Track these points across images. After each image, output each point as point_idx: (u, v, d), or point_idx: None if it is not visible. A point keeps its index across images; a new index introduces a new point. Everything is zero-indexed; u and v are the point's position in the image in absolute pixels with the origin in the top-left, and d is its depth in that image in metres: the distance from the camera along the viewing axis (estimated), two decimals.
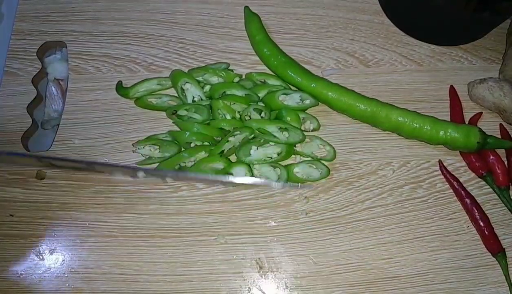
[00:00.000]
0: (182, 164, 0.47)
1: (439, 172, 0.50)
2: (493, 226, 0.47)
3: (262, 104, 0.50)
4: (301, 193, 0.48)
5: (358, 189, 0.49)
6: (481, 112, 0.52)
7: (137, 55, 0.54)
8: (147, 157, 0.49)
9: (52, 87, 0.54)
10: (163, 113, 0.50)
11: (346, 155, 0.50)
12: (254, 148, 0.48)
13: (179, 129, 0.49)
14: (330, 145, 0.50)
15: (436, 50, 0.56)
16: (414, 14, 0.55)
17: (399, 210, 0.48)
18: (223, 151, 0.47)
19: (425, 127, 0.48)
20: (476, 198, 0.48)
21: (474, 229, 0.47)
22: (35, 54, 0.54)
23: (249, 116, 0.49)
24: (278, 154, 0.48)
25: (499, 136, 0.51)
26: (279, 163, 0.49)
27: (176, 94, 0.51)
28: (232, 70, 0.53)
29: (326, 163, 0.49)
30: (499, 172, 0.48)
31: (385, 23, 0.57)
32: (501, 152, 0.50)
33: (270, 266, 0.46)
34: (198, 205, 0.47)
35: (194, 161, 0.47)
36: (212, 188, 0.48)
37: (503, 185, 0.48)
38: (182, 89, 0.50)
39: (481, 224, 0.47)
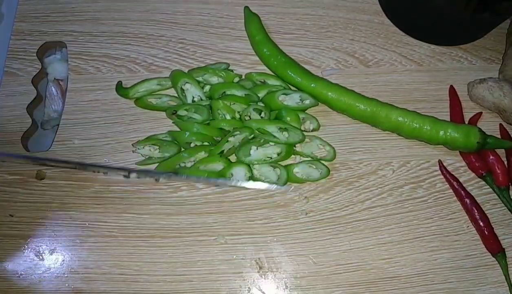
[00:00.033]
0: (182, 164, 0.47)
1: (439, 172, 0.50)
2: (493, 226, 0.47)
3: (262, 105, 0.50)
4: (301, 193, 0.48)
5: (358, 189, 0.49)
6: (481, 112, 0.52)
7: (137, 55, 0.54)
8: (147, 157, 0.49)
9: (52, 87, 0.54)
10: (163, 113, 0.50)
11: (346, 155, 0.50)
12: (254, 148, 0.48)
13: (179, 130, 0.49)
14: (330, 145, 0.50)
15: (436, 50, 0.56)
16: (414, 14, 0.55)
17: (399, 210, 0.48)
18: (223, 151, 0.47)
19: (425, 127, 0.48)
20: (476, 198, 0.48)
21: (474, 229, 0.47)
22: (35, 54, 0.54)
23: (249, 117, 0.49)
24: (278, 154, 0.48)
25: (499, 136, 0.51)
26: (279, 163, 0.49)
27: (176, 95, 0.51)
28: (232, 70, 0.53)
29: (326, 163, 0.49)
30: (499, 172, 0.48)
31: (385, 23, 0.57)
32: (501, 152, 0.50)
33: (270, 266, 0.46)
34: (198, 205, 0.47)
35: (194, 161, 0.47)
36: (212, 188, 0.48)
37: (503, 185, 0.48)
38: (182, 90, 0.50)
39: (481, 224, 0.47)
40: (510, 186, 0.49)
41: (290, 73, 0.51)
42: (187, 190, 0.48)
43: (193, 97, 0.50)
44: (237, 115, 0.49)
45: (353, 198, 0.48)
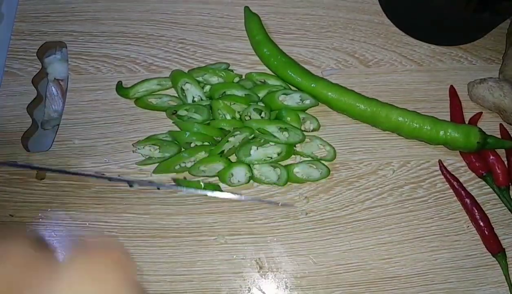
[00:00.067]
0: (182, 164, 0.47)
1: (439, 172, 0.50)
2: (493, 226, 0.47)
3: (262, 105, 0.50)
4: (301, 193, 0.48)
5: (358, 189, 0.49)
6: (481, 112, 0.52)
7: (137, 55, 0.54)
8: (147, 157, 0.49)
9: (52, 87, 0.54)
10: (163, 113, 0.50)
11: (346, 155, 0.50)
12: (254, 148, 0.48)
13: (179, 129, 0.49)
14: (330, 145, 0.50)
15: (436, 50, 0.56)
16: (414, 14, 0.55)
17: (399, 210, 0.48)
18: (223, 151, 0.47)
19: (425, 127, 0.48)
20: (476, 198, 0.48)
21: (474, 229, 0.47)
22: (35, 54, 0.54)
23: (249, 117, 0.49)
24: (278, 154, 0.48)
25: (499, 136, 0.51)
26: (279, 163, 0.49)
27: (176, 95, 0.51)
28: (232, 70, 0.53)
29: (326, 163, 0.49)
30: (499, 172, 0.48)
31: (385, 23, 0.57)
32: (501, 152, 0.50)
33: (270, 266, 0.46)
34: (198, 205, 0.47)
35: (194, 161, 0.47)
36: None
37: (503, 185, 0.48)
38: (182, 90, 0.50)
39: (481, 224, 0.47)
40: (510, 186, 0.49)
41: (290, 73, 0.51)
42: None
43: (193, 97, 0.50)
44: (237, 115, 0.49)
45: (353, 198, 0.48)
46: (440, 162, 0.50)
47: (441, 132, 0.48)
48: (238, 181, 0.48)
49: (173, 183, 0.46)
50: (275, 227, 0.47)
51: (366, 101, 0.49)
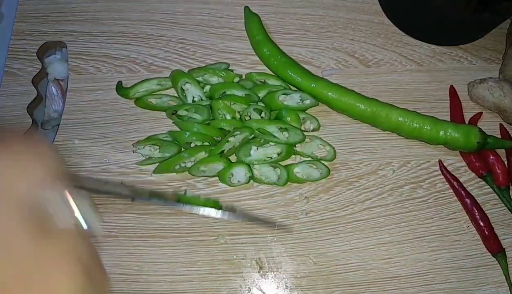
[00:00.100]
0: (182, 164, 0.47)
1: (439, 172, 0.50)
2: (493, 226, 0.47)
3: (262, 105, 0.50)
4: (301, 193, 0.48)
5: (358, 189, 0.49)
6: (481, 112, 0.52)
7: (137, 55, 0.54)
8: (147, 157, 0.49)
9: (52, 87, 0.54)
10: (163, 113, 0.50)
11: (346, 155, 0.50)
12: (254, 148, 0.48)
13: (179, 129, 0.49)
14: (330, 145, 0.50)
15: (436, 50, 0.56)
16: (414, 14, 0.55)
17: (399, 210, 0.48)
18: (223, 151, 0.47)
19: (425, 127, 0.48)
20: (476, 198, 0.48)
21: (474, 229, 0.47)
22: (35, 54, 0.54)
23: (249, 117, 0.49)
24: (278, 154, 0.48)
25: (499, 136, 0.51)
26: (279, 163, 0.49)
27: (176, 95, 0.51)
28: (232, 70, 0.53)
29: (326, 163, 0.49)
30: (499, 172, 0.48)
31: (385, 23, 0.57)
32: (501, 152, 0.50)
33: (270, 266, 0.46)
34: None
35: (194, 161, 0.47)
36: (212, 188, 0.48)
37: (503, 185, 0.48)
38: (182, 90, 0.50)
39: (481, 224, 0.47)
40: (510, 186, 0.49)
41: (290, 73, 0.51)
42: (187, 190, 0.48)
43: (193, 97, 0.50)
44: (237, 115, 0.49)
45: (353, 198, 0.48)
46: (440, 162, 0.50)
47: (441, 132, 0.48)
48: (238, 181, 0.48)
49: (175, 198, 0.45)
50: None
51: (366, 101, 0.49)
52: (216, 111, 0.48)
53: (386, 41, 0.56)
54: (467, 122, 0.52)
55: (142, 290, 0.45)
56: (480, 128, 0.48)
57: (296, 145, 0.49)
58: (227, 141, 0.47)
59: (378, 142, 0.51)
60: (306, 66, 0.53)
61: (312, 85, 0.50)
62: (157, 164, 0.48)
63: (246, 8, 0.55)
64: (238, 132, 0.47)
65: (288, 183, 0.48)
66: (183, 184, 0.48)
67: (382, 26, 0.57)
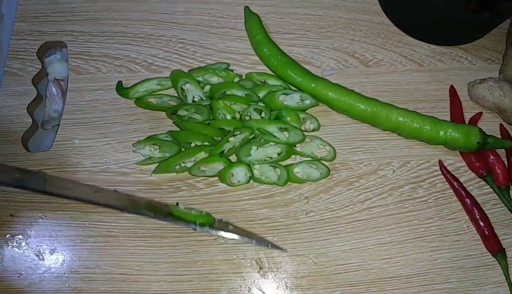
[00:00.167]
0: (182, 164, 0.47)
1: (439, 172, 0.50)
2: (493, 226, 0.47)
3: (262, 104, 0.50)
4: (301, 193, 0.48)
5: (358, 189, 0.49)
6: (481, 112, 0.52)
7: (137, 55, 0.54)
8: (147, 157, 0.49)
9: (52, 87, 0.54)
10: (163, 113, 0.50)
11: (346, 155, 0.50)
12: (254, 148, 0.48)
13: (179, 129, 0.49)
14: (330, 145, 0.50)
15: (436, 50, 0.56)
16: (414, 14, 0.55)
17: (399, 210, 0.48)
18: (223, 151, 0.47)
19: (425, 127, 0.48)
20: (476, 198, 0.48)
21: (474, 229, 0.47)
22: (35, 54, 0.54)
23: (249, 116, 0.49)
24: (278, 154, 0.48)
25: (499, 136, 0.51)
26: (279, 163, 0.49)
27: (176, 95, 0.51)
28: (232, 70, 0.53)
29: (326, 163, 0.49)
30: (499, 172, 0.48)
31: (385, 23, 0.57)
32: (501, 152, 0.50)
33: (270, 266, 0.46)
34: (198, 205, 0.47)
35: (194, 161, 0.47)
36: (212, 188, 0.48)
37: (503, 185, 0.48)
38: (182, 90, 0.50)
39: (481, 224, 0.47)
40: (510, 186, 0.49)
41: (290, 73, 0.51)
42: (187, 190, 0.48)
43: (193, 97, 0.50)
44: (238, 115, 0.49)
45: (353, 198, 0.48)
46: (440, 162, 0.50)
47: (441, 132, 0.48)
48: (238, 181, 0.48)
49: (167, 211, 0.43)
50: (275, 227, 0.47)
51: (366, 101, 0.49)
52: (216, 111, 0.48)
53: (386, 41, 0.56)
54: (467, 122, 0.52)
55: (142, 290, 0.45)
56: (480, 128, 0.48)
57: (296, 145, 0.49)
58: (227, 141, 0.47)
59: (378, 142, 0.51)
60: (306, 66, 0.53)
61: (312, 85, 0.50)
62: (157, 164, 0.48)
63: (246, 8, 0.55)
64: (238, 132, 0.47)
65: (288, 183, 0.48)
66: (183, 184, 0.48)
67: (382, 26, 0.57)
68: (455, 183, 0.48)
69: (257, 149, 0.48)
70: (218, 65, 0.53)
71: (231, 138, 0.47)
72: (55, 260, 0.46)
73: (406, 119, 0.48)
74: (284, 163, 0.49)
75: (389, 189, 0.49)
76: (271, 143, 0.48)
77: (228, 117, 0.49)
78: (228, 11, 0.57)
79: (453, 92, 0.53)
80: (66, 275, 0.45)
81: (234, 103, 0.49)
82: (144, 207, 0.42)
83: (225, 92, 0.49)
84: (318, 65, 0.54)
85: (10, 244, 0.46)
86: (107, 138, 0.50)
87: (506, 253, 0.46)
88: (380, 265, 0.46)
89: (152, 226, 0.47)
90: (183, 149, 0.49)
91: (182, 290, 0.45)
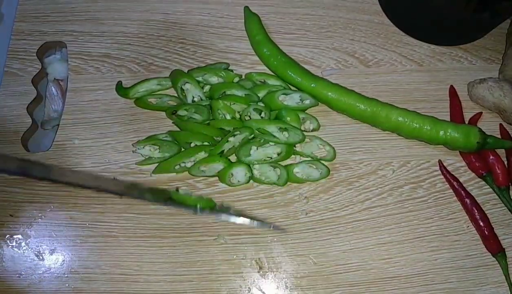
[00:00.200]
0: (182, 164, 0.47)
1: (439, 172, 0.50)
2: (493, 226, 0.47)
3: (262, 104, 0.50)
4: (301, 193, 0.48)
5: (358, 189, 0.49)
6: (481, 112, 0.52)
7: (137, 55, 0.54)
8: (147, 157, 0.49)
9: (52, 87, 0.54)
10: (163, 113, 0.50)
11: (346, 155, 0.50)
12: (254, 148, 0.48)
13: (179, 130, 0.49)
14: (330, 145, 0.50)
15: (436, 50, 0.56)
16: (414, 14, 0.55)
17: (399, 210, 0.48)
18: (223, 151, 0.47)
19: (425, 127, 0.48)
20: (476, 198, 0.48)
21: (474, 229, 0.47)
22: (35, 54, 0.54)
23: (249, 116, 0.49)
24: (278, 154, 0.48)
25: (499, 136, 0.51)
26: (279, 163, 0.49)
27: (176, 95, 0.51)
28: (232, 70, 0.53)
29: (326, 163, 0.49)
30: (499, 172, 0.48)
31: (385, 23, 0.57)
32: (501, 152, 0.50)
33: (270, 266, 0.46)
34: None
35: (194, 161, 0.47)
36: (211, 188, 0.48)
37: (503, 185, 0.48)
38: (182, 90, 0.50)
39: (481, 224, 0.47)
40: (510, 186, 0.49)
41: (290, 73, 0.51)
42: (187, 190, 0.48)
43: (193, 97, 0.50)
44: (237, 115, 0.49)
45: (353, 198, 0.48)
46: (440, 162, 0.50)
47: (441, 132, 0.48)
48: (238, 181, 0.48)
49: (167, 196, 0.43)
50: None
51: (366, 101, 0.49)
52: (216, 111, 0.48)
53: (386, 41, 0.56)
54: (467, 122, 0.52)
55: (142, 290, 0.45)
56: (480, 128, 0.48)
57: (296, 145, 0.49)
58: (227, 141, 0.47)
59: (378, 142, 0.51)
60: (306, 66, 0.53)
61: (312, 85, 0.50)
62: (157, 164, 0.48)
63: (246, 8, 0.55)
64: (238, 132, 0.47)
65: (288, 183, 0.48)
66: (183, 184, 0.48)
67: (382, 26, 0.57)
68: (455, 183, 0.48)
69: (257, 149, 0.48)
70: (218, 65, 0.53)
71: (231, 138, 0.47)
72: (55, 260, 0.46)
73: (406, 119, 0.48)
74: (284, 163, 0.49)
75: (389, 189, 0.49)
76: (271, 143, 0.48)
77: (228, 117, 0.49)
78: (228, 11, 0.57)
79: (453, 92, 0.53)
80: (66, 275, 0.45)
81: (234, 103, 0.49)
82: (143, 192, 0.43)
83: (225, 92, 0.49)
84: (318, 65, 0.54)
85: (10, 244, 0.46)
86: (107, 138, 0.50)
87: (506, 253, 0.46)
88: (380, 265, 0.46)
89: (152, 226, 0.47)
90: (183, 149, 0.49)
91: (182, 290, 0.45)
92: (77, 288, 0.45)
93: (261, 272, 0.46)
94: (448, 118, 0.51)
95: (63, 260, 0.46)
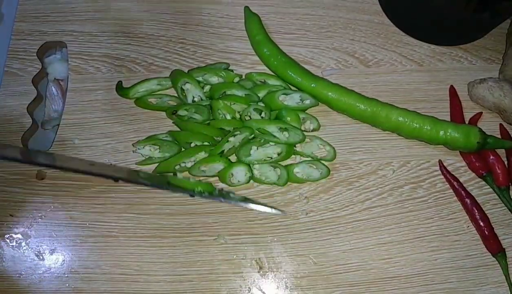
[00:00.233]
0: (182, 164, 0.47)
1: (439, 172, 0.50)
2: (493, 226, 0.47)
3: (262, 104, 0.50)
4: (301, 193, 0.48)
5: (358, 189, 0.49)
6: (481, 112, 0.52)
7: (137, 55, 0.54)
8: (147, 157, 0.49)
9: (52, 87, 0.54)
10: (163, 113, 0.50)
11: (346, 155, 0.50)
12: (254, 148, 0.48)
13: (179, 130, 0.49)
14: (330, 145, 0.50)
15: (436, 50, 0.56)
16: (414, 14, 0.55)
17: (399, 210, 0.48)
18: (223, 151, 0.47)
19: (425, 127, 0.48)
20: (476, 198, 0.48)
21: (474, 229, 0.47)
22: (35, 54, 0.54)
23: (249, 116, 0.49)
24: (278, 154, 0.48)
25: (499, 136, 0.51)
26: (279, 163, 0.49)
27: (176, 95, 0.51)
28: (232, 70, 0.53)
29: (326, 163, 0.49)
30: (499, 172, 0.48)
31: (385, 23, 0.57)
32: (501, 152, 0.50)
33: (270, 266, 0.46)
34: (198, 205, 0.47)
35: (194, 161, 0.47)
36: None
37: (503, 185, 0.48)
38: (182, 90, 0.50)
39: (481, 224, 0.47)
40: (510, 186, 0.49)
41: (290, 73, 0.51)
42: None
43: (193, 97, 0.50)
44: (237, 115, 0.49)
45: (353, 198, 0.48)
46: (440, 162, 0.50)
47: (441, 132, 0.48)
48: (238, 181, 0.48)
49: (165, 180, 0.44)
50: (275, 227, 0.47)
51: (366, 101, 0.49)
52: (216, 111, 0.48)
53: (386, 41, 0.56)
54: (467, 122, 0.52)
55: (142, 290, 0.45)
56: (480, 128, 0.48)
57: (296, 145, 0.49)
58: (227, 141, 0.47)
59: (378, 142, 0.51)
60: (306, 66, 0.53)
61: (312, 85, 0.50)
62: (157, 164, 0.48)
63: (246, 8, 0.55)
64: (238, 132, 0.47)
65: (288, 183, 0.48)
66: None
67: (382, 26, 0.57)
68: (455, 183, 0.48)
69: (257, 148, 0.48)
70: (218, 65, 0.53)
71: (231, 138, 0.47)
72: (55, 260, 0.46)
73: (406, 119, 0.48)
74: (284, 163, 0.49)
75: (389, 189, 0.49)
76: (271, 143, 0.48)
77: (228, 117, 0.49)
78: (228, 11, 0.57)
79: (453, 92, 0.53)
80: (66, 275, 0.45)
81: (234, 103, 0.49)
82: (141, 177, 0.43)
83: (225, 92, 0.49)
84: (318, 65, 0.54)
85: (10, 244, 0.46)
86: (107, 138, 0.50)
87: (506, 253, 0.46)
88: (380, 265, 0.46)
89: (152, 226, 0.47)
90: (183, 149, 0.49)
91: (182, 290, 0.45)
92: (77, 288, 0.45)
93: (261, 272, 0.46)
94: (448, 118, 0.51)
95: (63, 260, 0.46)
